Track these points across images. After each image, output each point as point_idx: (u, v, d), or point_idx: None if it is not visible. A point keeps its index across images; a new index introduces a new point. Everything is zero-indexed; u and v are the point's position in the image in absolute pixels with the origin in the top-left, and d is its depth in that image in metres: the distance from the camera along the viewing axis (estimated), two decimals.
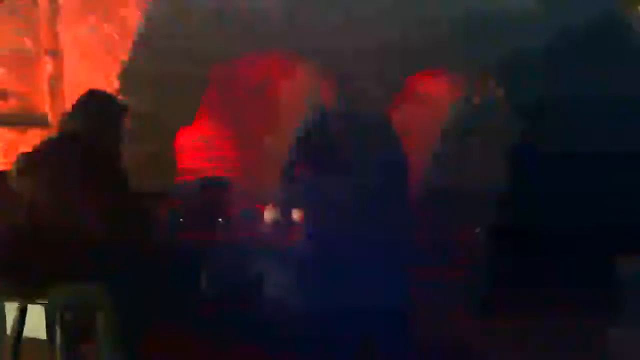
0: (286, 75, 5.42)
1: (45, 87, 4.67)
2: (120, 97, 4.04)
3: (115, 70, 4.61)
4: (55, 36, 4.68)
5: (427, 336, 3.95)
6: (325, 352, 3.60)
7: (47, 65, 4.67)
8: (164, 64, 4.53)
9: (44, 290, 3.17)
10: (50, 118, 4.59)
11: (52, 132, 4.12)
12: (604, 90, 4.35)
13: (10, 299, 3.37)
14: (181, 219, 4.09)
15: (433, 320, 4.01)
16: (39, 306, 3.30)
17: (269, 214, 4.16)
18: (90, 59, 4.65)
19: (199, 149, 5.26)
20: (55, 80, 4.64)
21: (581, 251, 4.18)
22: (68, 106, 3.60)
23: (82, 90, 3.60)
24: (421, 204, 4.40)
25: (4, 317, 3.61)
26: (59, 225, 3.11)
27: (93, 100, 3.47)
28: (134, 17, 4.59)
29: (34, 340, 3.34)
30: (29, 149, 3.40)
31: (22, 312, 3.31)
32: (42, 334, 3.35)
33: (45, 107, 4.64)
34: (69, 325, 3.21)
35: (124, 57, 4.62)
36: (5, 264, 3.18)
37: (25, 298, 3.25)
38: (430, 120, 5.41)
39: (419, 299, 4.02)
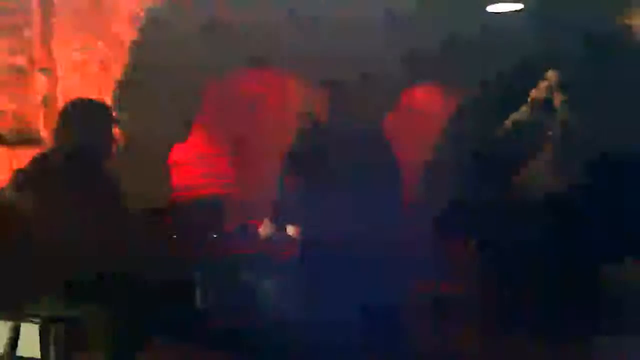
0: (279, 89, 5.43)
1: (38, 105, 4.65)
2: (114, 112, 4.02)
3: (109, 88, 4.60)
4: (48, 54, 4.67)
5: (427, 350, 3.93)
6: None
7: (41, 84, 4.66)
8: (157, 80, 4.53)
9: (40, 305, 3.16)
10: (43, 136, 4.57)
11: (45, 149, 4.12)
12: None
13: (4, 317, 3.36)
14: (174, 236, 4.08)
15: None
16: (32, 325, 3.29)
17: (264, 229, 4.14)
18: (83, 77, 4.64)
19: (192, 165, 5.25)
20: (49, 98, 4.63)
21: None
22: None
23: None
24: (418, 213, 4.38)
25: None
26: (56, 239, 3.11)
27: (81, 110, 3.48)
28: (127, 34, 4.59)
29: None
30: (21, 166, 3.41)
31: (16, 331, 3.30)
32: (36, 353, 3.34)
33: (39, 125, 4.62)
34: (62, 340, 3.21)
35: (118, 74, 4.61)
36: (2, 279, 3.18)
37: (21, 314, 3.24)
38: (424, 132, 5.42)
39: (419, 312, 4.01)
